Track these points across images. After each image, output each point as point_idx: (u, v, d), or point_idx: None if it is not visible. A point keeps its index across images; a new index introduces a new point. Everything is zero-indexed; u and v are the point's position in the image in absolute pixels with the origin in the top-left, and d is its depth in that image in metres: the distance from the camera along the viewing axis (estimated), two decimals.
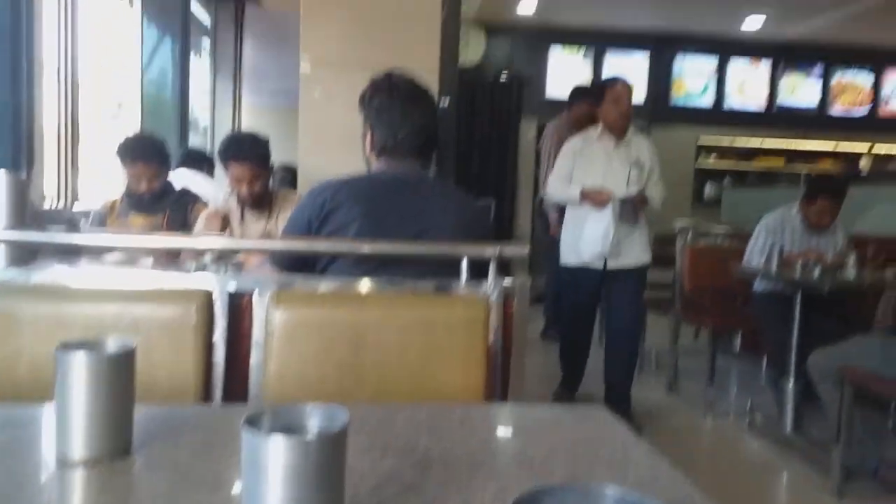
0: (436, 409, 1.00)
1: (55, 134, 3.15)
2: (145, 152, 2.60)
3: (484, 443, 0.87)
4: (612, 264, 3.12)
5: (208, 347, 1.40)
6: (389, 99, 1.67)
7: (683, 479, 0.73)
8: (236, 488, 0.70)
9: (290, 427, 0.61)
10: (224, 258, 2.31)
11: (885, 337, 2.37)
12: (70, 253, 2.38)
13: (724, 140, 7.31)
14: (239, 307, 1.49)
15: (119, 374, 0.77)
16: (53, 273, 1.53)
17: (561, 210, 4.53)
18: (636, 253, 3.17)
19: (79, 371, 0.76)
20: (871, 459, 2.55)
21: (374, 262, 1.59)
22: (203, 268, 2.09)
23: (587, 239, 3.12)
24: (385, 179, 1.68)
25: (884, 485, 2.47)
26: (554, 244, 4.61)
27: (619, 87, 3.17)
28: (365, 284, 1.51)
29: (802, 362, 2.75)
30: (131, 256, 2.34)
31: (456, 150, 4.11)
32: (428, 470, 0.76)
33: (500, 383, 1.47)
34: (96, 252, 2.42)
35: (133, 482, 0.71)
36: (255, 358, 1.43)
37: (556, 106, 5.89)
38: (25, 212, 2.13)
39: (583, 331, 3.33)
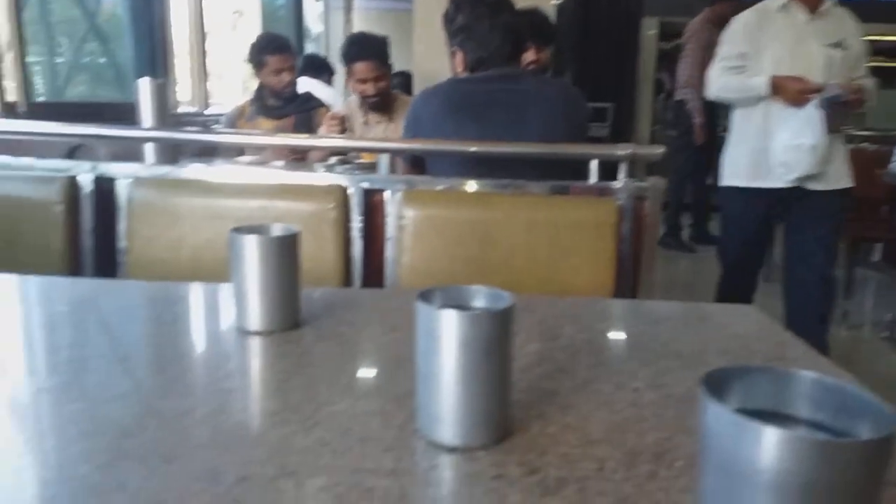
0: (576, 301, 1.01)
1: (186, 43, 3.29)
2: (283, 44, 2.67)
3: (630, 333, 0.87)
4: (811, 185, 2.25)
5: (346, 240, 1.47)
6: (473, 13, 1.66)
7: (847, 376, 0.71)
8: (397, 356, 0.75)
9: (459, 305, 0.63)
10: (347, 160, 2.40)
11: None
12: (207, 153, 2.53)
13: (869, 36, 6.54)
14: (371, 204, 1.54)
15: (287, 254, 0.83)
16: (201, 171, 1.63)
17: (709, 113, 4.10)
18: (840, 170, 2.28)
19: (251, 251, 0.82)
20: None
21: (476, 161, 1.61)
22: (331, 169, 2.18)
23: (779, 150, 2.25)
24: (483, 78, 1.68)
25: None
26: (686, 150, 4.40)
27: None
28: (492, 184, 1.52)
29: None
30: (262, 159, 2.45)
31: (573, 52, 3.93)
32: (577, 355, 0.77)
33: (629, 286, 1.45)
34: (230, 153, 2.57)
35: (305, 350, 0.77)
36: (389, 252, 1.49)
37: (682, 2, 5.45)
38: (167, 114, 2.27)
39: (750, 271, 2.55)
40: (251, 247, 0.82)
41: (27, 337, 0.83)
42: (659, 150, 1.53)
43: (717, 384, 0.42)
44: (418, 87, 3.24)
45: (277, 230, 0.87)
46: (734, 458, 0.39)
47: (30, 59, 2.39)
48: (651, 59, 6.28)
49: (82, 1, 3.38)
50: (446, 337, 0.57)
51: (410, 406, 0.61)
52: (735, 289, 2.57)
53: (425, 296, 0.61)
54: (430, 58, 3.18)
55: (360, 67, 2.38)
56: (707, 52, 3.86)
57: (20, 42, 2.18)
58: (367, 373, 0.72)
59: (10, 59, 2.21)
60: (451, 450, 0.56)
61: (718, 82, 2.41)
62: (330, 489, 0.49)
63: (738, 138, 2.44)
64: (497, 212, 1.44)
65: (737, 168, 2.43)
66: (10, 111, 2.13)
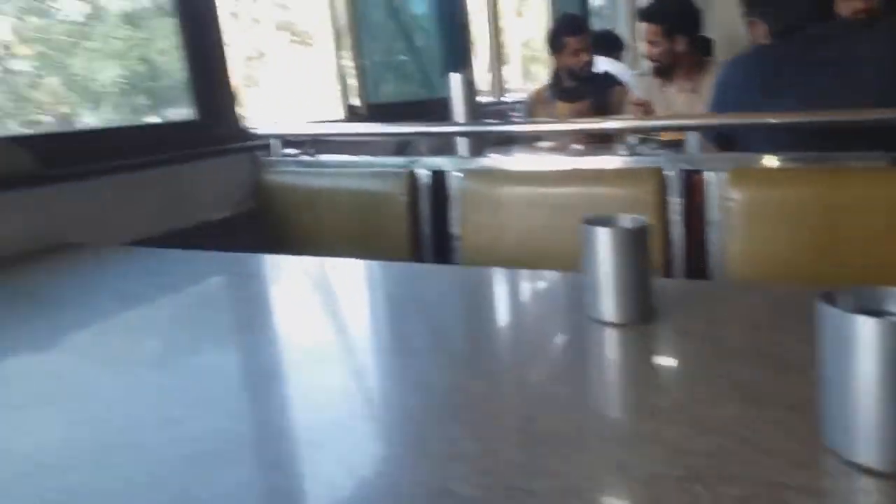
0: None
1: (482, 33, 3.47)
2: (581, 24, 2.71)
3: None
4: None
5: (665, 225, 1.43)
6: None
7: None
8: (771, 357, 0.69)
9: (872, 310, 0.56)
10: (648, 138, 2.32)
11: None
12: (506, 140, 2.65)
13: None
14: (689, 186, 1.46)
15: (640, 245, 0.83)
16: (520, 160, 1.71)
17: None
18: None
19: (604, 243, 0.83)
20: None
21: (797, 133, 1.43)
22: (632, 149, 2.13)
23: None
24: (795, 39, 1.51)
25: None
26: None
27: None
28: (839, 158, 1.34)
29: None
30: (562, 144, 2.49)
31: None
32: None
33: None
34: (529, 139, 2.66)
35: (667, 345, 0.76)
36: (712, 237, 1.41)
37: None
38: (477, 107, 2.43)
39: None
40: (605, 238, 0.83)
41: (398, 317, 0.95)
42: None
43: None
44: (720, 52, 2.99)
45: (626, 221, 0.87)
46: None
47: (350, 63, 2.73)
48: None
49: (390, 2, 3.77)
50: (866, 349, 0.51)
51: (809, 417, 0.56)
52: None
53: (829, 297, 0.55)
54: (731, 22, 2.92)
55: (644, 28, 2.32)
56: None
57: (358, 49, 2.50)
58: (744, 375, 0.68)
59: (348, 65, 2.55)
60: (870, 471, 0.50)
61: None
62: (748, 500, 0.47)
63: None
64: (849, 191, 1.27)
65: None
66: (355, 114, 2.47)
